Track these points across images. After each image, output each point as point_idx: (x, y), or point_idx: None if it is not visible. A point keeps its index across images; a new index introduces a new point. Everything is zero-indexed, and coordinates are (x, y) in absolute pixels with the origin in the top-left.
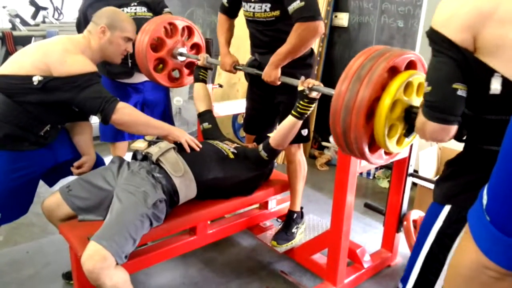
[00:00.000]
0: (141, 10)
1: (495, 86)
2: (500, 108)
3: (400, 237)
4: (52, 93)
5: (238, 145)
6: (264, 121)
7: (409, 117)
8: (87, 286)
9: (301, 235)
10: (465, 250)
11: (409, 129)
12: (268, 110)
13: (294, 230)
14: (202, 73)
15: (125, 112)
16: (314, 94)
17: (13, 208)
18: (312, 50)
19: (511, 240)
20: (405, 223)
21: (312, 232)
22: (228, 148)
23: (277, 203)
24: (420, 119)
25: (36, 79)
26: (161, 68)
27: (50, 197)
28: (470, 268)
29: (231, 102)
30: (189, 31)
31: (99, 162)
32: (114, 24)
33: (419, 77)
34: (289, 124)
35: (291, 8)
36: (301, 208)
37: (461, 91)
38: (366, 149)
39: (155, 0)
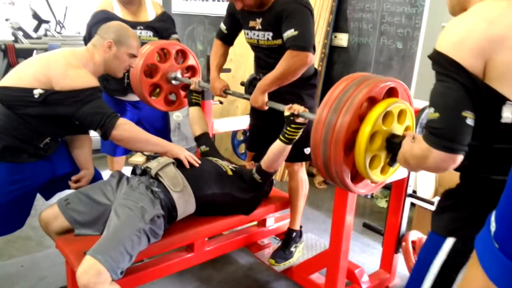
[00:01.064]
0: (146, 34)
1: (507, 114)
2: (511, 138)
3: (399, 258)
4: (53, 107)
5: (236, 166)
6: (266, 138)
7: (390, 146)
8: None
9: (299, 253)
10: (473, 277)
11: (393, 158)
12: (270, 127)
13: (292, 248)
14: (195, 97)
15: (125, 129)
16: (301, 120)
17: (9, 221)
18: (315, 70)
19: None
20: (404, 244)
21: (310, 251)
22: (227, 165)
23: (276, 221)
24: (421, 147)
25: (37, 92)
26: (158, 92)
27: (47, 209)
28: None
29: (230, 119)
30: (183, 54)
31: (96, 176)
32: (121, 40)
33: (399, 105)
34: (278, 149)
35: (285, 35)
36: (300, 226)
37: (470, 120)
38: (349, 181)
39: (164, 25)
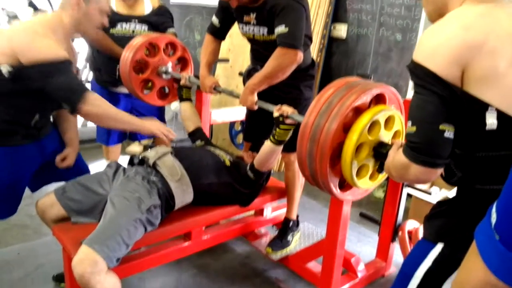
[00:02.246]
0: (141, 28)
1: (491, 121)
2: (500, 144)
3: (395, 247)
4: (23, 82)
5: (233, 157)
6: (262, 128)
7: (378, 156)
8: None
9: (296, 242)
10: (472, 268)
11: (382, 165)
12: (267, 117)
13: (289, 237)
14: (185, 92)
15: (95, 104)
16: (290, 121)
17: (2, 206)
18: (313, 61)
19: None
20: (400, 233)
21: (306, 240)
22: (225, 155)
23: (272, 210)
24: (400, 160)
25: (5, 71)
26: (151, 86)
27: (44, 197)
28: (476, 287)
29: (228, 109)
30: (173, 46)
31: (82, 168)
32: None
33: (385, 113)
34: (269, 150)
35: (276, 31)
36: (297, 216)
37: (448, 133)
38: (336, 191)
39: (160, 19)
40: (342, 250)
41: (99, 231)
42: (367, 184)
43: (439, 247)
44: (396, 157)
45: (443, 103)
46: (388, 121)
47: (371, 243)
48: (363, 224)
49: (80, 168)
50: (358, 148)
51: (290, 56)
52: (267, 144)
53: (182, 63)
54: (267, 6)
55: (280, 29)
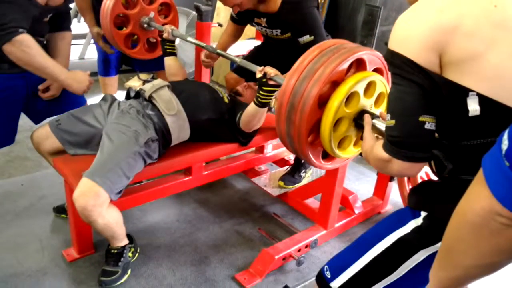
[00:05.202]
0: None
1: (473, 107)
2: (485, 130)
3: (393, 186)
4: None
5: (231, 96)
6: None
7: (360, 126)
8: (82, 220)
9: (308, 179)
10: (476, 196)
11: None
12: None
13: (302, 173)
14: (168, 47)
15: (21, 49)
16: (273, 82)
17: None
18: (317, 2)
19: None
20: None
21: (315, 177)
22: (224, 91)
23: (273, 148)
24: (380, 154)
25: None
26: (136, 39)
27: (38, 129)
28: (480, 215)
29: None
30: None
31: (80, 100)
32: None
33: (363, 82)
34: (253, 112)
35: (301, 40)
36: None
37: (429, 124)
38: (319, 163)
39: None
40: (340, 187)
41: (99, 164)
42: (351, 153)
43: (421, 215)
44: (375, 151)
45: (423, 94)
46: (368, 87)
47: (370, 182)
48: (363, 163)
49: (78, 100)
50: (337, 123)
51: None
52: (251, 106)
53: (165, 8)
54: (279, 18)
55: (306, 38)
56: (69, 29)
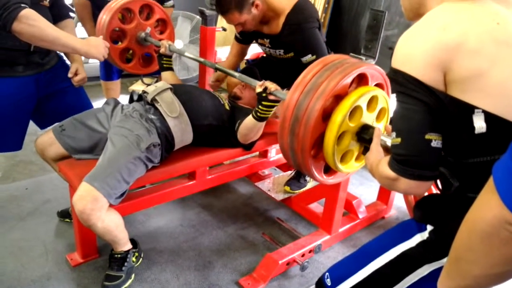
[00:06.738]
0: None
1: (479, 124)
2: (492, 148)
3: None
4: None
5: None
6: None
7: (363, 140)
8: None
9: (312, 183)
10: (486, 205)
11: (367, 149)
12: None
13: (307, 178)
14: (165, 61)
15: (30, 23)
16: (274, 97)
17: (5, 137)
18: (319, 22)
19: None
20: None
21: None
22: (225, 98)
23: (277, 152)
24: (386, 172)
25: None
26: (131, 54)
27: (42, 136)
28: (490, 224)
29: None
30: (149, 9)
31: (88, 105)
32: None
33: (366, 97)
34: (250, 125)
35: (304, 60)
36: None
37: (436, 142)
38: (321, 178)
39: None
40: (344, 192)
41: (99, 169)
42: (353, 167)
43: (427, 229)
44: (381, 168)
45: (428, 111)
46: (371, 102)
47: (373, 187)
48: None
49: (84, 105)
50: (340, 137)
51: None
52: (249, 119)
53: (161, 24)
54: (281, 40)
55: (308, 57)
56: (69, 17)
